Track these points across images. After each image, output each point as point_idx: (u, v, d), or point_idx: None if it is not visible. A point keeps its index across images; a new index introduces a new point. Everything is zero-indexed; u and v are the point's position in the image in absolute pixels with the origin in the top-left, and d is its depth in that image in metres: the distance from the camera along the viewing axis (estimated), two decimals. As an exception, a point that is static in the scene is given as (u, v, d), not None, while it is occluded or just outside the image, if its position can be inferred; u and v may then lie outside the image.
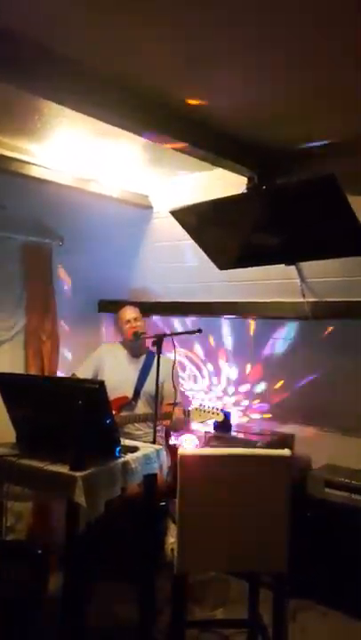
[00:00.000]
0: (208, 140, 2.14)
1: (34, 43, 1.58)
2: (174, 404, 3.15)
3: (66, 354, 3.73)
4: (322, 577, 2.91)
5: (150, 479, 2.46)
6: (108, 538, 2.82)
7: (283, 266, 2.61)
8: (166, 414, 3.19)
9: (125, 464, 2.29)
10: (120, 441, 2.35)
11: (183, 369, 3.85)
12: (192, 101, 1.91)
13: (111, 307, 3.93)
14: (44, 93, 1.76)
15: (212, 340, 3.72)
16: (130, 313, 3.35)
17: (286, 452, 2.05)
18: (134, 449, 2.42)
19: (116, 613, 2.79)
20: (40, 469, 2.14)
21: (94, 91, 1.78)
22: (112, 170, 2.85)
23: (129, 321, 3.32)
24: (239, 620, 2.46)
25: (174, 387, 3.03)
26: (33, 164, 2.68)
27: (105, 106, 1.83)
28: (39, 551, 2.90)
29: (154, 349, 3.33)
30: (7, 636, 2.47)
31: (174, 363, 3.04)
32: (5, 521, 2.41)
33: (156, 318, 3.88)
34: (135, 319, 3.33)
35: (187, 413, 3.34)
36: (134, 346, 3.37)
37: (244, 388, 3.61)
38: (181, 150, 2.18)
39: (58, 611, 2.71)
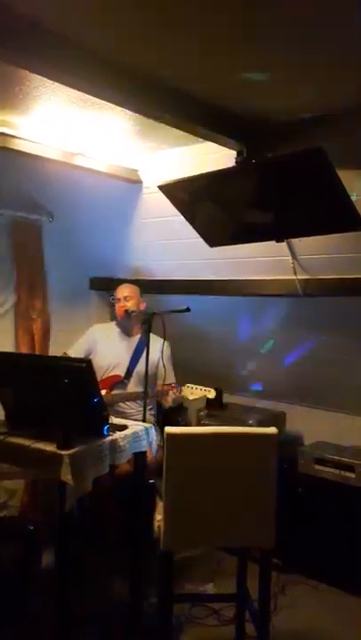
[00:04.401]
0: (194, 113, 2.06)
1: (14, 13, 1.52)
2: (171, 385, 3.13)
3: (57, 332, 3.70)
4: (313, 552, 2.96)
5: (139, 457, 2.47)
6: (98, 514, 2.85)
7: (273, 243, 2.55)
8: (160, 392, 3.19)
9: (114, 442, 2.29)
10: (109, 420, 2.34)
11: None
12: (162, 70, 1.83)
13: (102, 284, 3.89)
14: (20, 63, 1.69)
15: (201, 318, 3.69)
16: (121, 291, 3.30)
17: (273, 429, 2.04)
18: (123, 427, 2.41)
19: (108, 588, 2.84)
20: (27, 447, 2.14)
21: (72, 61, 1.71)
22: (99, 143, 2.77)
23: (120, 299, 3.28)
24: (227, 594, 2.49)
25: (164, 366, 3.01)
26: (17, 137, 2.61)
27: (82, 76, 1.76)
28: (31, 527, 2.94)
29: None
30: (2, 609, 2.51)
31: (164, 342, 3.01)
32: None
33: (147, 297, 3.84)
34: (125, 298, 3.27)
35: (179, 391, 3.34)
36: (126, 325, 3.34)
37: (236, 366, 3.60)
38: (167, 123, 2.11)
39: (51, 585, 2.77)
